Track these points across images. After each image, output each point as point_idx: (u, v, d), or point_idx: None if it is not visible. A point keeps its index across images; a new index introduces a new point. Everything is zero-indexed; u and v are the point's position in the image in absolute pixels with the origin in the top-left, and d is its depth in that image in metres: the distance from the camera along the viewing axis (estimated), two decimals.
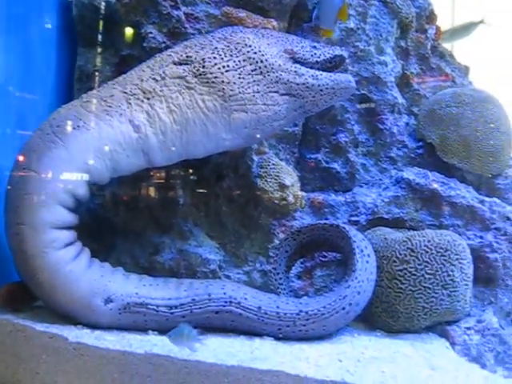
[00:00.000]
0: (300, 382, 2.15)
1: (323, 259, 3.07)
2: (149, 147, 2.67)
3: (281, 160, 3.18)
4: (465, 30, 4.69)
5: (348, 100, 3.31)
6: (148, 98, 2.70)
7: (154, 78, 2.75)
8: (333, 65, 2.93)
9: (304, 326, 2.55)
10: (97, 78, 3.32)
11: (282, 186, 3.06)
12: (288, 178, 3.08)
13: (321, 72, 2.81)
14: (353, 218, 3.14)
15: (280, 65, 2.74)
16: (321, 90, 2.79)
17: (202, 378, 2.25)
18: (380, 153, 3.39)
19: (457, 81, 3.71)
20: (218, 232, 3.14)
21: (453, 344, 2.74)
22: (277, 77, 2.72)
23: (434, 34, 3.72)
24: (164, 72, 2.75)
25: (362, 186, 3.29)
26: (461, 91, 3.37)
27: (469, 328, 2.79)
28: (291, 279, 3.03)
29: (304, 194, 3.19)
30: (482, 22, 4.78)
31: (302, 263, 3.08)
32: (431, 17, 3.75)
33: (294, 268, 3.04)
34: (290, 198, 3.08)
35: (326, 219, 3.14)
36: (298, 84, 2.75)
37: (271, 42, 2.83)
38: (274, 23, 3.10)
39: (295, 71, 2.76)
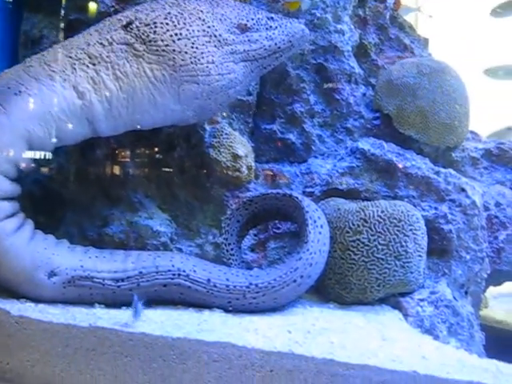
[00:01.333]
0: (247, 354, 2.10)
1: (277, 231, 3.01)
2: (93, 115, 2.57)
3: (234, 130, 3.09)
4: None
5: (304, 69, 3.24)
6: (94, 64, 2.59)
7: (101, 43, 2.63)
8: None
9: (254, 298, 2.49)
10: (43, 44, 3.18)
11: (235, 157, 2.98)
12: (241, 149, 3.00)
13: (273, 31, 2.75)
14: (307, 190, 3.07)
15: (234, 39, 2.67)
16: (278, 48, 2.76)
17: (148, 351, 2.18)
18: (336, 123, 3.32)
19: (416, 52, 3.65)
20: (169, 204, 3.05)
21: (406, 315, 2.71)
22: (232, 49, 2.65)
23: (393, 3, 3.65)
24: (112, 37, 2.63)
25: (317, 157, 3.23)
26: (418, 61, 3.31)
27: (422, 299, 2.76)
28: (244, 251, 2.97)
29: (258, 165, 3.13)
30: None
31: (255, 235, 3.02)
32: None
33: (247, 240, 2.97)
34: (244, 169, 3.00)
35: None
36: (255, 50, 2.70)
37: (226, 12, 2.73)
38: None
39: (249, 40, 2.69)
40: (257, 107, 3.26)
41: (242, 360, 2.10)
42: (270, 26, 2.77)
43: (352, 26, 3.40)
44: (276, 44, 2.74)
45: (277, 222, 3.01)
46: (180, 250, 2.98)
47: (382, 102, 3.26)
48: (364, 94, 3.39)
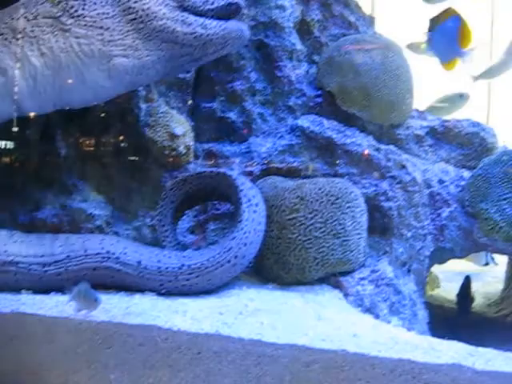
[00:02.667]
0: (173, 336, 2.02)
1: (216, 212, 2.94)
2: (17, 93, 2.45)
3: (172, 108, 3.00)
4: None
5: (244, 46, 3.14)
6: (17, 39, 2.47)
7: (25, 17, 2.51)
8: (228, 13, 2.74)
9: (187, 280, 2.41)
10: None
11: (172, 136, 2.89)
12: (179, 128, 2.91)
13: (210, 21, 2.60)
14: (247, 169, 3.00)
15: (165, 13, 2.53)
16: (210, 40, 2.59)
17: (72, 336, 2.10)
18: (278, 101, 3.24)
19: (361, 30, 3.59)
20: (105, 186, 2.95)
21: (346, 295, 2.66)
22: (161, 25, 2.52)
23: None
24: (37, 11, 2.51)
25: (258, 136, 3.15)
26: (361, 37, 3.26)
27: (363, 278, 2.71)
28: (183, 234, 2.89)
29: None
30: None
31: (194, 217, 2.94)
32: None
33: (186, 222, 2.90)
34: (181, 149, 2.91)
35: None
36: (185, 34, 2.54)
37: None
38: None
39: (182, 20, 2.55)
40: (196, 85, 3.17)
41: (169, 343, 2.03)
42: (207, 1, 2.65)
43: (294, 2, 3.32)
44: (208, 35, 2.57)
45: (216, 202, 2.94)
46: (116, 233, 2.89)
47: (324, 80, 3.20)
48: (307, 72, 3.32)
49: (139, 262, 2.41)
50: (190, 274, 2.40)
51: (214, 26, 2.59)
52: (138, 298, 2.37)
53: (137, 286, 2.44)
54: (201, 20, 2.57)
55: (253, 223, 2.48)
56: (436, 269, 4.62)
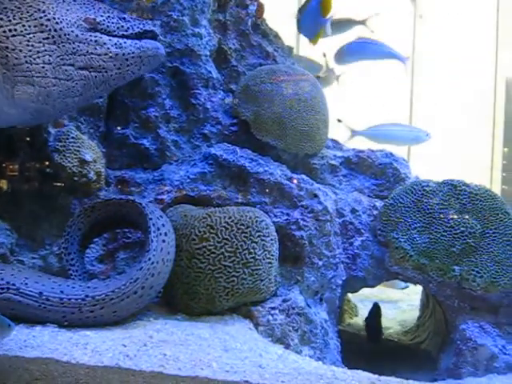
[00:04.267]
0: (72, 370, 1.93)
1: (126, 240, 2.87)
2: None
3: (83, 134, 2.92)
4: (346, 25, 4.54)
5: (159, 72, 3.13)
6: None
7: None
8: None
9: (91, 312, 2.33)
10: None
11: (83, 162, 2.81)
12: (89, 154, 2.84)
13: (125, 40, 2.56)
14: (159, 197, 2.95)
15: (78, 35, 2.44)
16: (126, 60, 2.52)
17: None
18: (193, 129, 3.23)
19: (278, 60, 3.64)
20: (11, 212, 2.81)
21: (256, 325, 2.65)
22: (74, 48, 2.42)
23: (255, 11, 3.62)
24: None
25: (171, 164, 3.12)
26: (276, 68, 3.30)
27: (273, 308, 2.71)
28: (92, 263, 2.80)
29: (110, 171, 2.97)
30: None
31: (104, 245, 2.86)
32: None
33: (95, 251, 2.81)
34: (91, 175, 2.83)
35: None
36: (99, 55, 2.46)
37: (72, 8, 2.53)
38: None
39: (95, 41, 2.48)
40: (110, 111, 3.11)
41: (67, 377, 1.93)
42: (122, 26, 2.60)
43: (211, 31, 3.34)
44: (124, 54, 2.50)
45: (127, 230, 2.87)
46: (21, 262, 2.77)
47: (240, 108, 3.22)
48: (223, 100, 3.33)
49: (40, 293, 2.31)
50: (94, 305, 2.32)
51: (129, 44, 2.52)
52: (38, 331, 2.26)
53: (38, 318, 2.33)
54: (114, 39, 2.51)
55: (161, 253, 2.44)
56: (355, 297, 4.70)
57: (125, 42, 2.53)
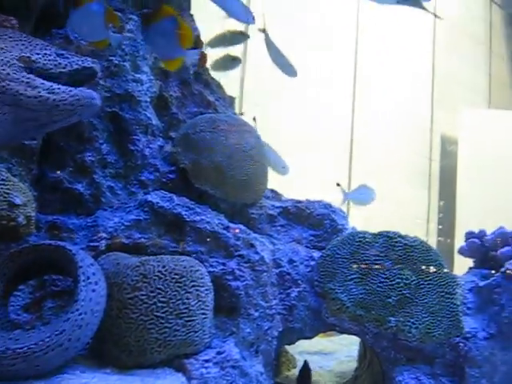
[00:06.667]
0: None
1: (55, 288, 2.74)
2: None
3: (14, 176, 2.81)
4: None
5: (97, 117, 3.08)
6: None
7: None
8: (81, 78, 2.65)
9: (13, 365, 2.18)
10: None
11: (12, 205, 2.69)
12: (19, 197, 2.72)
13: (59, 86, 2.47)
14: (92, 244, 2.85)
15: (9, 73, 2.38)
16: (57, 106, 2.42)
17: None
18: (130, 176, 3.17)
19: (219, 110, 3.67)
20: None
21: (189, 378, 2.55)
22: (3, 86, 2.37)
23: (198, 59, 3.65)
24: None
25: (106, 210, 3.04)
26: (216, 117, 3.31)
27: (207, 360, 2.62)
28: (17, 312, 2.66)
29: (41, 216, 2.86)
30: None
31: (30, 293, 2.73)
32: (196, 41, 3.69)
33: (20, 299, 2.67)
34: (21, 219, 2.71)
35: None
36: (29, 97, 2.37)
37: (8, 46, 2.48)
38: (14, 22, 2.78)
39: (27, 82, 2.41)
40: (43, 153, 3.02)
41: None
42: (59, 63, 2.54)
43: (152, 77, 3.33)
44: (55, 100, 2.39)
45: (55, 278, 2.75)
46: None
47: (179, 156, 3.19)
48: (161, 147, 3.30)
49: None
50: (15, 358, 2.18)
51: (61, 90, 2.44)
52: None
53: None
54: (48, 84, 2.45)
55: (90, 303, 2.33)
56: (292, 349, 4.65)
57: (59, 88, 2.45)
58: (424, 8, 3.57)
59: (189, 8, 3.83)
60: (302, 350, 4.99)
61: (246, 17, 3.72)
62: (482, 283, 3.41)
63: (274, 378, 3.18)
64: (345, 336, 5.08)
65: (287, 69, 4.22)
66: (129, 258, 2.66)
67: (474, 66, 11.45)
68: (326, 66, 8.48)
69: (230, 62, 4.24)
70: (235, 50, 4.41)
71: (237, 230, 2.97)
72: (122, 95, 3.17)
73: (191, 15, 3.81)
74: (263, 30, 4.09)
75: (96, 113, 2.99)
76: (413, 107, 10.12)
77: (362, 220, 8.43)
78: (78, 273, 2.36)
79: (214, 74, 3.92)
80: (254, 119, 4.11)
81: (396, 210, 9.66)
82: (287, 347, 4.43)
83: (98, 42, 2.94)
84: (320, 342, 5.26)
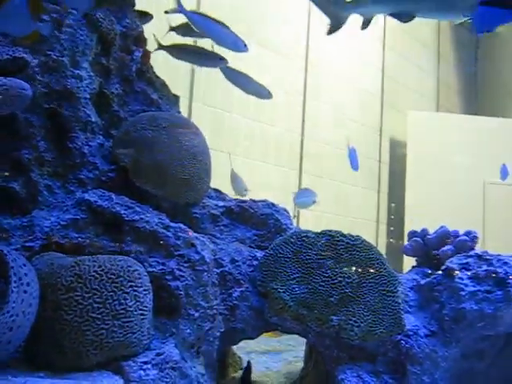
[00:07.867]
0: None
1: None
2: None
3: None
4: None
5: (34, 113, 2.99)
6: None
7: None
8: (13, 69, 2.57)
9: None
10: None
11: None
12: None
13: None
14: (27, 244, 2.76)
15: None
16: None
17: None
18: (68, 174, 3.08)
19: (163, 108, 3.61)
20: None
21: (127, 381, 2.49)
22: None
23: (140, 57, 3.59)
24: None
25: (43, 209, 2.95)
26: (158, 115, 3.26)
27: (146, 362, 2.56)
28: None
29: None
30: None
31: None
32: (139, 39, 3.63)
33: None
34: None
35: None
36: None
37: None
38: None
39: None
40: None
41: None
42: None
43: (92, 74, 3.25)
44: None
45: None
46: None
47: (119, 154, 3.13)
48: (102, 145, 3.22)
49: None
50: None
51: None
52: None
53: None
54: None
55: (22, 305, 2.26)
56: (240, 349, 4.62)
57: None
58: None
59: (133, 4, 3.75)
60: (250, 350, 4.99)
61: (237, 45, 3.73)
62: (423, 281, 3.47)
63: (217, 380, 3.15)
64: (293, 336, 5.12)
65: (261, 93, 4.20)
66: (64, 258, 2.59)
67: (422, 70, 11.70)
68: (278, 64, 8.54)
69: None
70: None
71: (190, 233, 2.93)
72: (61, 91, 3.08)
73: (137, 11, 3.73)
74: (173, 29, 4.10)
75: (31, 107, 2.92)
76: (362, 110, 10.27)
77: (312, 221, 8.53)
78: (10, 273, 2.28)
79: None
80: None
81: (346, 211, 9.78)
82: (235, 348, 4.40)
83: (28, 36, 2.85)
84: (268, 343, 5.27)
